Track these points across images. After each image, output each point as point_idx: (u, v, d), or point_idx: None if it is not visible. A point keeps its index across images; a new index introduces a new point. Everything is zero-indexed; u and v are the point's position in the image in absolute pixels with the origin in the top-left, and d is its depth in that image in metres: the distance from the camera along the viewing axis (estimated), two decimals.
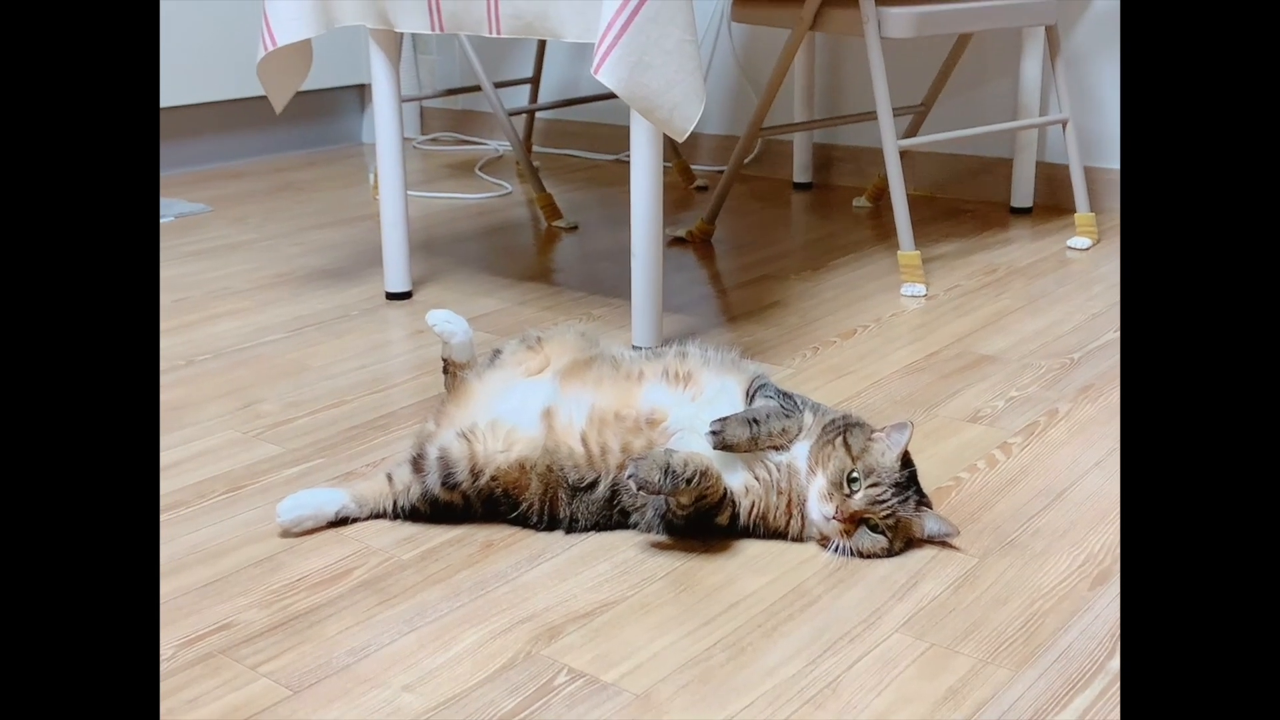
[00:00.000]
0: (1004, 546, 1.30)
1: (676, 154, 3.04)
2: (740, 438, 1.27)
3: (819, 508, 1.26)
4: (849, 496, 1.24)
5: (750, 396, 1.32)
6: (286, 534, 1.33)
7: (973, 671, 1.09)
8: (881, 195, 2.77)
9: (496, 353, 1.44)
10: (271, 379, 1.79)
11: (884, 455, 1.26)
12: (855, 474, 1.24)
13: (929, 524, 1.27)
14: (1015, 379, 1.76)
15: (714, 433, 1.26)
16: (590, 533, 1.32)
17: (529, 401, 1.34)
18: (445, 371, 1.47)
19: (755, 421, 1.27)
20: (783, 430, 1.29)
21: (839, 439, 1.27)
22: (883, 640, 1.13)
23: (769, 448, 1.29)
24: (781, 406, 1.30)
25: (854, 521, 1.25)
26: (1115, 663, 1.09)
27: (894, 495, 1.24)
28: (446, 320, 1.44)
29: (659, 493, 1.24)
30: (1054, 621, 1.16)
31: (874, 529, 1.25)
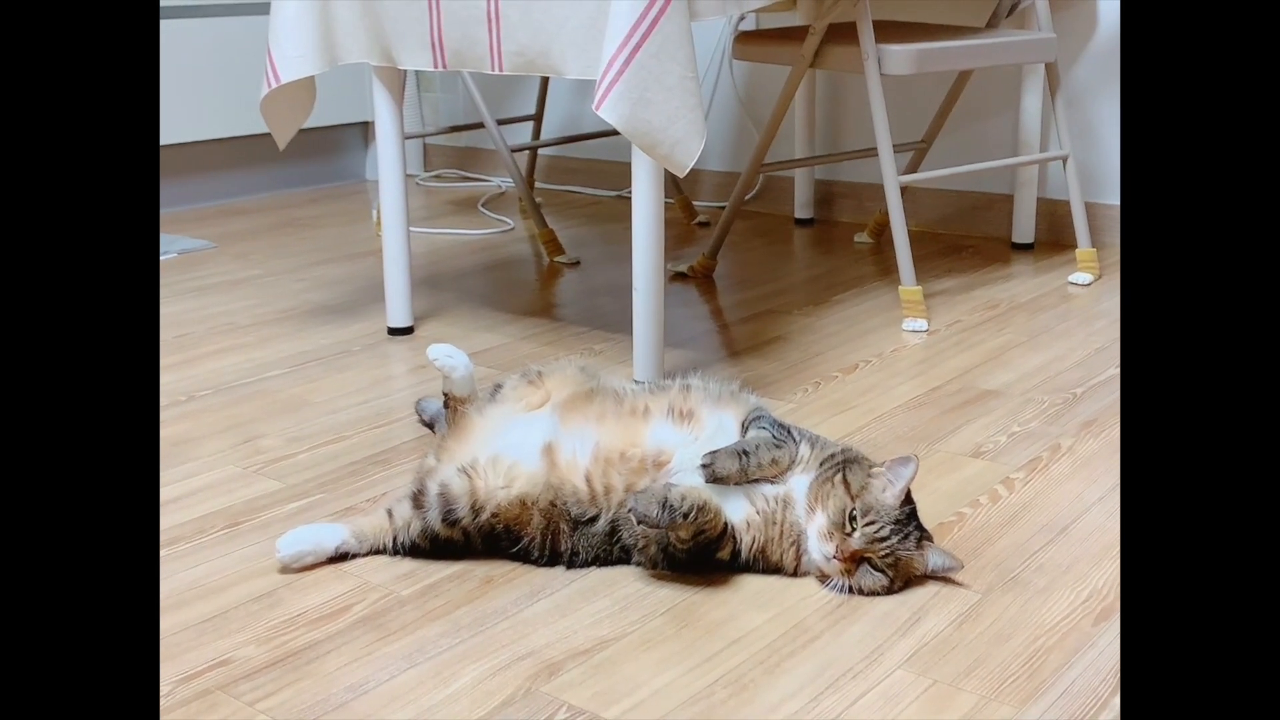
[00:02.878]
0: (1007, 582, 1.29)
1: (678, 190, 3.05)
2: (730, 470, 1.26)
3: (819, 547, 1.25)
4: (849, 535, 1.24)
5: (745, 428, 1.32)
6: (286, 570, 1.32)
7: (976, 709, 1.08)
8: (882, 231, 2.77)
9: (497, 387, 1.44)
10: (272, 414, 1.79)
11: (884, 492, 1.26)
12: (855, 512, 1.24)
13: (932, 559, 1.27)
14: (1018, 414, 1.75)
15: (704, 466, 1.26)
16: (591, 568, 1.32)
17: (529, 436, 1.34)
18: (446, 406, 1.47)
19: (745, 454, 1.27)
20: (773, 461, 1.28)
21: (838, 476, 1.26)
22: (885, 677, 1.12)
23: (761, 479, 1.28)
24: (773, 437, 1.30)
25: (854, 560, 1.24)
26: (1119, 699, 1.08)
27: (894, 533, 1.24)
28: (448, 355, 1.44)
29: (657, 526, 1.23)
30: (1057, 658, 1.15)
31: (875, 567, 1.24)
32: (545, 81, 3.16)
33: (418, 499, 1.33)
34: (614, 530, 1.30)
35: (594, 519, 1.30)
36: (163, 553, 1.37)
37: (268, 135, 2.85)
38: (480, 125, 2.86)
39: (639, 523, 1.24)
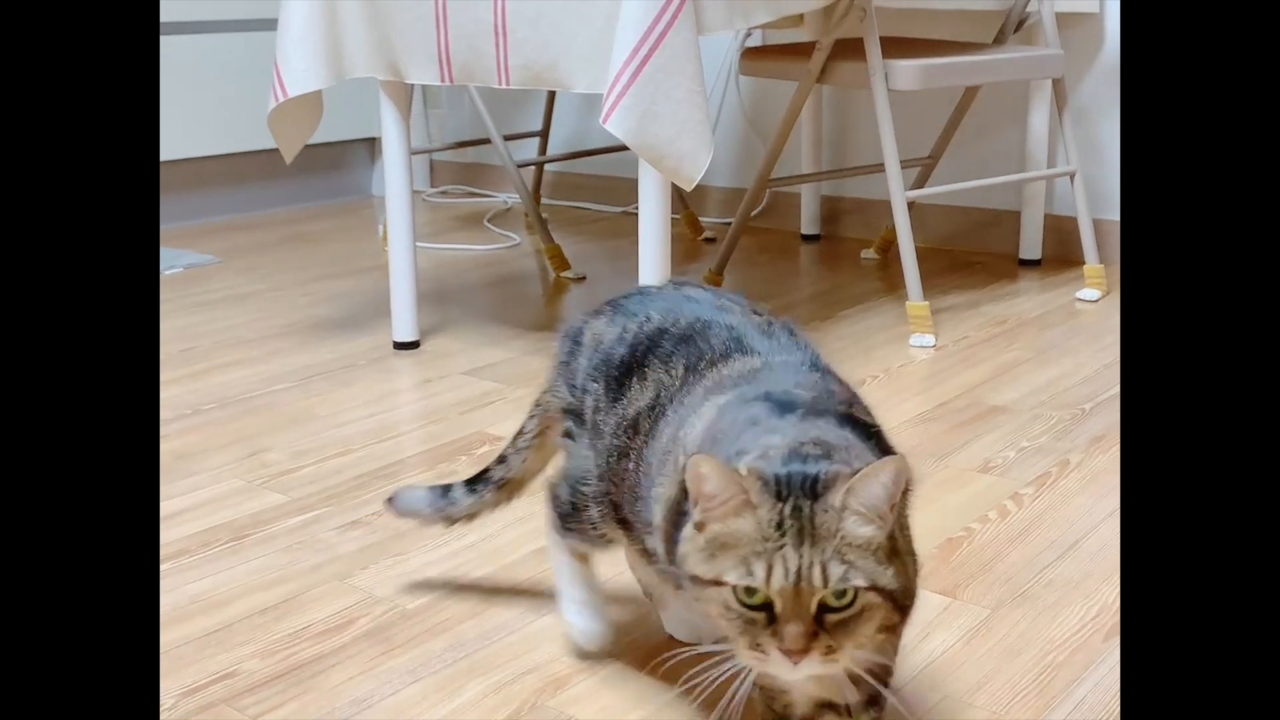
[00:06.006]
0: (1016, 598, 1.28)
1: (685, 205, 3.05)
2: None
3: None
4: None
5: None
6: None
7: None
8: (889, 247, 2.77)
9: None
10: (278, 428, 1.79)
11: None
12: None
13: None
14: (1026, 429, 1.75)
15: None
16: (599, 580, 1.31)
17: None
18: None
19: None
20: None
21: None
22: (895, 692, 1.11)
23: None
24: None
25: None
26: None
27: None
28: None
29: None
30: (1068, 674, 1.14)
31: None
32: (552, 97, 3.17)
33: None
34: None
35: None
36: (167, 566, 1.37)
37: (274, 150, 2.85)
38: (487, 141, 2.86)
39: None
